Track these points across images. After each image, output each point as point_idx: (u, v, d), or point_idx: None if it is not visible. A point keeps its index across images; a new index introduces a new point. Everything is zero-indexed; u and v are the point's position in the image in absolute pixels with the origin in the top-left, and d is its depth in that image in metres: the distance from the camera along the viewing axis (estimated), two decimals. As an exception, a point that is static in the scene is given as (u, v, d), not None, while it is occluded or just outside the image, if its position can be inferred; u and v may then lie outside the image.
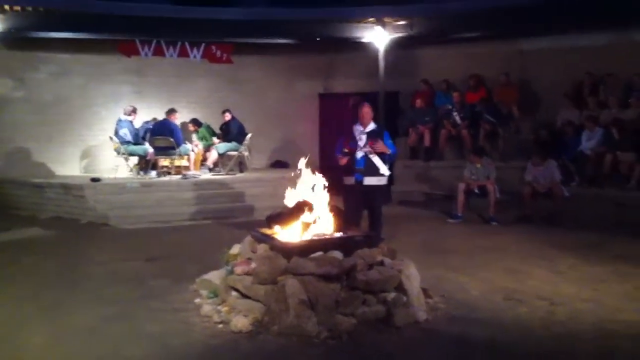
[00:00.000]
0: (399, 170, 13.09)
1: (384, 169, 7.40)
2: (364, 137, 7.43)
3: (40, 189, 11.91)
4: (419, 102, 13.36)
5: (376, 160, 7.35)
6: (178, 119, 12.96)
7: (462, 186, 10.56)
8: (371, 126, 7.51)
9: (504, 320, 5.41)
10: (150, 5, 11.06)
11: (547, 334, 5.05)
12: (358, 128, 7.52)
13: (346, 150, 7.44)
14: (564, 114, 12.15)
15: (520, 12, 11.10)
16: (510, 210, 10.56)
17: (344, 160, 7.46)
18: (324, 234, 5.90)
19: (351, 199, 7.45)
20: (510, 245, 8.62)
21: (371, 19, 12.00)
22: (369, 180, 7.37)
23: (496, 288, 6.38)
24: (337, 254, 5.53)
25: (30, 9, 10.55)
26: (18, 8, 10.39)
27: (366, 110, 7.50)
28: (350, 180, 7.48)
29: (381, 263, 5.67)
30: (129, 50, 12.89)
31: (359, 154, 7.37)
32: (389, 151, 7.39)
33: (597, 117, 11.45)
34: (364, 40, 12.47)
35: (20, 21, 10.70)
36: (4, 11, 10.16)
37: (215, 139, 13.35)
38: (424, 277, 5.97)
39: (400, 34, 12.22)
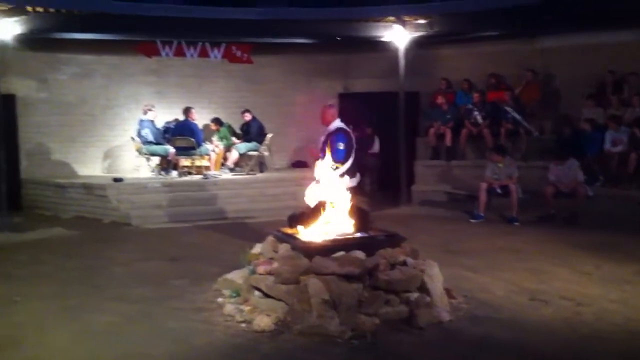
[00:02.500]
0: (420, 170, 13.05)
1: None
2: (321, 138, 7.36)
3: (63, 189, 12.02)
4: (439, 101, 13.27)
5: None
6: (198, 119, 13.02)
7: (483, 185, 10.49)
8: (331, 127, 7.23)
9: (529, 321, 5.35)
10: (170, 5, 11.10)
11: (573, 335, 4.99)
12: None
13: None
14: (587, 113, 11.98)
15: (540, 9, 10.99)
16: (532, 210, 10.46)
17: None
18: (346, 234, 5.89)
19: None
20: (533, 245, 8.54)
21: (391, 18, 11.94)
22: None
23: (520, 289, 6.32)
24: (359, 254, 5.52)
25: (52, 10, 10.64)
26: (40, 9, 10.47)
27: (324, 112, 7.37)
28: None
29: (403, 263, 5.63)
30: (150, 51, 12.95)
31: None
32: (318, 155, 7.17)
33: (620, 117, 11.29)
34: (384, 39, 12.41)
35: (43, 23, 10.78)
36: (26, 13, 10.24)
37: (235, 139, 13.39)
38: (446, 277, 5.94)
39: (420, 33, 12.15)
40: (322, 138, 7.28)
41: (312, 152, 7.48)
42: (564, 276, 6.81)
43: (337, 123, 7.22)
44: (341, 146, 7.02)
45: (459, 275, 6.75)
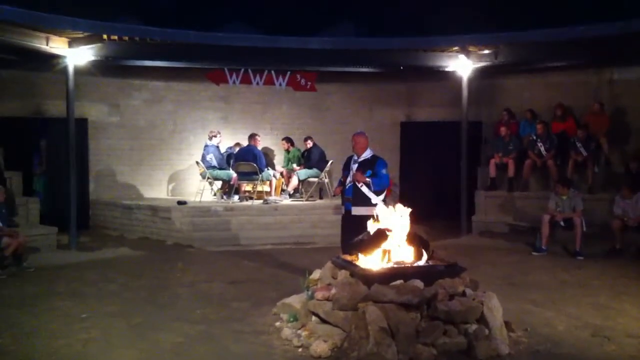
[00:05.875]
0: (480, 200, 12.87)
1: (375, 199, 7.21)
2: (354, 166, 7.41)
3: (130, 210, 12.41)
4: (502, 131, 13.10)
5: (365, 189, 7.24)
6: (260, 144, 13.27)
7: (546, 218, 10.28)
8: (365, 155, 7.41)
9: (591, 357, 5.23)
10: (239, 35, 11.40)
11: (638, 374, 4.86)
12: (353, 157, 7.52)
13: (342, 179, 7.57)
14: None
15: (609, 41, 10.79)
16: (598, 244, 10.19)
17: (337, 190, 7.59)
18: (405, 262, 5.89)
19: (345, 228, 7.44)
20: (597, 280, 8.32)
21: (455, 48, 11.92)
22: (357, 210, 7.21)
23: (583, 324, 6.17)
24: (418, 283, 5.51)
25: (126, 38, 11.09)
26: (115, 37, 10.93)
27: (358, 140, 7.43)
28: (342, 210, 7.53)
29: (463, 294, 5.59)
30: (218, 78, 13.31)
31: (348, 183, 7.38)
32: (367, 180, 7.22)
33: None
34: (448, 69, 12.41)
35: (117, 50, 11.24)
36: (101, 40, 10.71)
37: (295, 166, 13.58)
38: (506, 310, 5.86)
39: (484, 63, 12.09)
40: (354, 167, 7.39)
41: (355, 175, 7.35)
42: (629, 313, 6.61)
43: (370, 151, 7.48)
44: (384, 171, 7.35)
45: (520, 309, 6.64)
